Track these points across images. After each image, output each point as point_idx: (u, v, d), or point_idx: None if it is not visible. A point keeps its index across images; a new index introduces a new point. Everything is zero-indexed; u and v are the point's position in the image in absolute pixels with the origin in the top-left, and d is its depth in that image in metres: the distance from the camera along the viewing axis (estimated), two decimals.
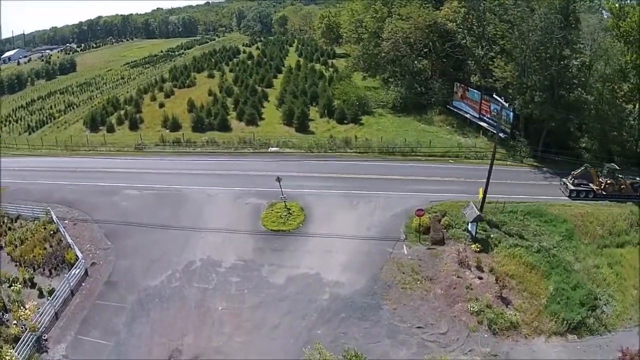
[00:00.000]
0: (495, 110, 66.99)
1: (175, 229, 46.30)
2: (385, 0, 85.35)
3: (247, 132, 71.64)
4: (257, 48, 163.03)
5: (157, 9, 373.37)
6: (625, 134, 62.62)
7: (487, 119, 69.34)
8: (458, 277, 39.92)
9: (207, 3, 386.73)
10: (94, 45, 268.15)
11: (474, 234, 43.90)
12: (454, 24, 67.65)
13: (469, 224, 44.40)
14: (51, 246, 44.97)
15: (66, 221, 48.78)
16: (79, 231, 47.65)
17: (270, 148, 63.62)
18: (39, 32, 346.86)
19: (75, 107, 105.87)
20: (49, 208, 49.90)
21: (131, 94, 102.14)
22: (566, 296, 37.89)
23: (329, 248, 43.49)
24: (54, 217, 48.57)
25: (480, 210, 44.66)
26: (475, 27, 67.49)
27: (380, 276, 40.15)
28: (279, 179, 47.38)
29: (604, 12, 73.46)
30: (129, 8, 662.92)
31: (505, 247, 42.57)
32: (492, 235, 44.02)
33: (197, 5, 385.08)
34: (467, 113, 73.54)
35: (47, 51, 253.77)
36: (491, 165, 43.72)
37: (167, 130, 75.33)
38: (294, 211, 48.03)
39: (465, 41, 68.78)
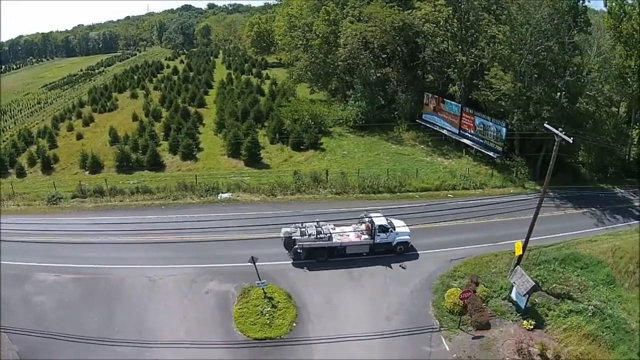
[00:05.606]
0: (482, 125, 51.55)
1: (114, 344, 26.45)
2: None
3: (185, 170, 51.83)
4: (181, 61, 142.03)
5: (78, 25, 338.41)
6: (621, 145, 53.47)
7: (470, 136, 53.64)
8: None
9: (127, 17, 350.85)
10: (14, 67, 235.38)
11: (523, 307, 30.04)
12: (434, 25, 50.07)
13: (515, 294, 30.65)
14: None
15: None
16: None
17: (220, 195, 43.59)
18: None
19: None
20: None
21: (46, 123, 78.27)
22: None
23: None
24: None
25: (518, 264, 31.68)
26: (456, 29, 50.51)
27: None
28: (253, 260, 28.89)
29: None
30: (50, 25, 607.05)
31: (558, 316, 30.22)
32: (537, 301, 30.95)
33: (117, 20, 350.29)
34: (442, 128, 57.23)
35: None
36: (534, 219, 31.51)
37: (87, 172, 53.77)
38: (278, 301, 29.23)
39: (446, 46, 51.56)
